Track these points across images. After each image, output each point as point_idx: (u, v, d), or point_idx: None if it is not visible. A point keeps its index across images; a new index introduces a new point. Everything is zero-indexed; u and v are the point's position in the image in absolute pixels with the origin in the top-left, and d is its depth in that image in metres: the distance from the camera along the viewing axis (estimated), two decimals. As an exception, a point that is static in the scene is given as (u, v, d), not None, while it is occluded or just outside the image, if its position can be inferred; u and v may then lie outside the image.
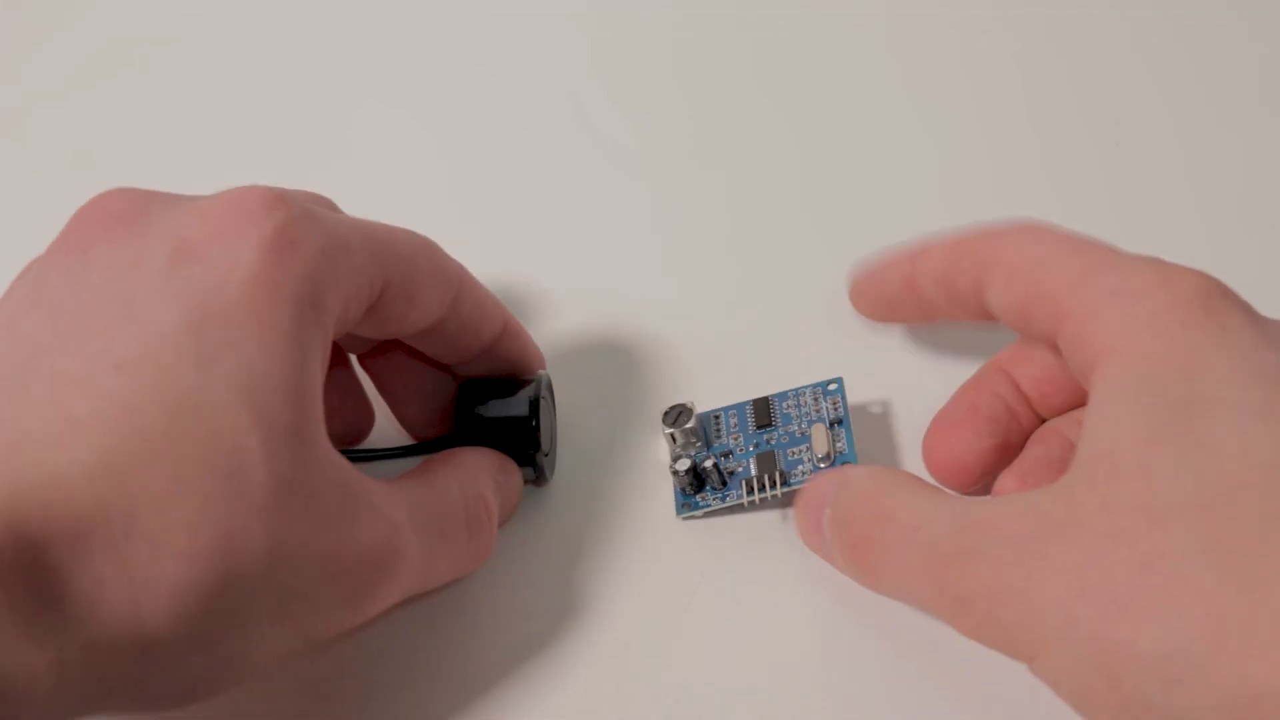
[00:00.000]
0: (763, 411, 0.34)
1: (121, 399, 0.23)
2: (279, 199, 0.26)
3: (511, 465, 0.33)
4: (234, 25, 0.48)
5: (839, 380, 0.33)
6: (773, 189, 0.42)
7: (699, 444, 0.34)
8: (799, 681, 0.31)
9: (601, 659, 0.32)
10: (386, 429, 0.35)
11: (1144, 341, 0.25)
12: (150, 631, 0.23)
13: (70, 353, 0.24)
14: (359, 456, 0.34)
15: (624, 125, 0.44)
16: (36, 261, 0.28)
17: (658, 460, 0.35)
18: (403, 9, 0.48)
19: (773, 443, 0.33)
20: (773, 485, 0.32)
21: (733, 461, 0.34)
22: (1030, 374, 0.32)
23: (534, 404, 0.32)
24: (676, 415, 0.33)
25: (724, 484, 0.33)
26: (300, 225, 0.26)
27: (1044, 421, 0.32)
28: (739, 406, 0.34)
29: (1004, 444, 0.31)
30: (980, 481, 0.32)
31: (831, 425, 0.33)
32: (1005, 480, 0.31)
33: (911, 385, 0.35)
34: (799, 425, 0.33)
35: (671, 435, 0.34)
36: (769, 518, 0.34)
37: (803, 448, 0.33)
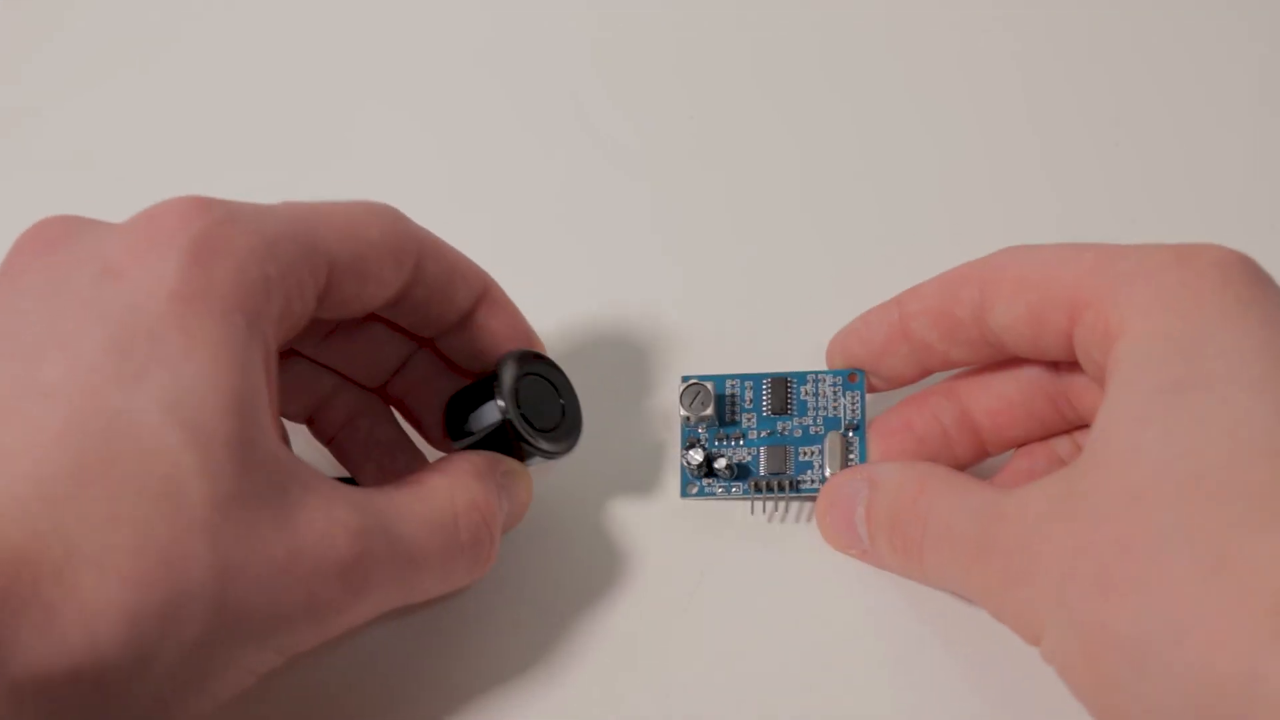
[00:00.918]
0: (780, 395, 0.33)
1: (50, 427, 0.23)
2: (198, 208, 0.26)
3: (515, 465, 0.32)
4: (234, 25, 0.48)
5: (860, 375, 0.33)
6: (773, 189, 0.42)
7: (713, 423, 0.34)
8: (799, 680, 0.31)
9: (602, 658, 0.32)
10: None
11: (1156, 319, 0.25)
12: (107, 659, 0.22)
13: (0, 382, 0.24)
14: None
15: (624, 125, 0.44)
16: None
17: (657, 459, 0.35)
18: (403, 9, 0.48)
19: (786, 434, 0.33)
20: (781, 489, 0.32)
21: (743, 448, 0.33)
22: (985, 404, 0.32)
23: (503, 406, 0.31)
24: (694, 397, 0.33)
25: (734, 477, 0.33)
26: (221, 232, 0.25)
27: (986, 454, 0.33)
28: (755, 380, 0.34)
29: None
30: None
31: (846, 431, 0.33)
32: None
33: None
34: (814, 420, 0.33)
35: (686, 417, 0.33)
36: (770, 516, 0.34)
37: (815, 449, 0.33)
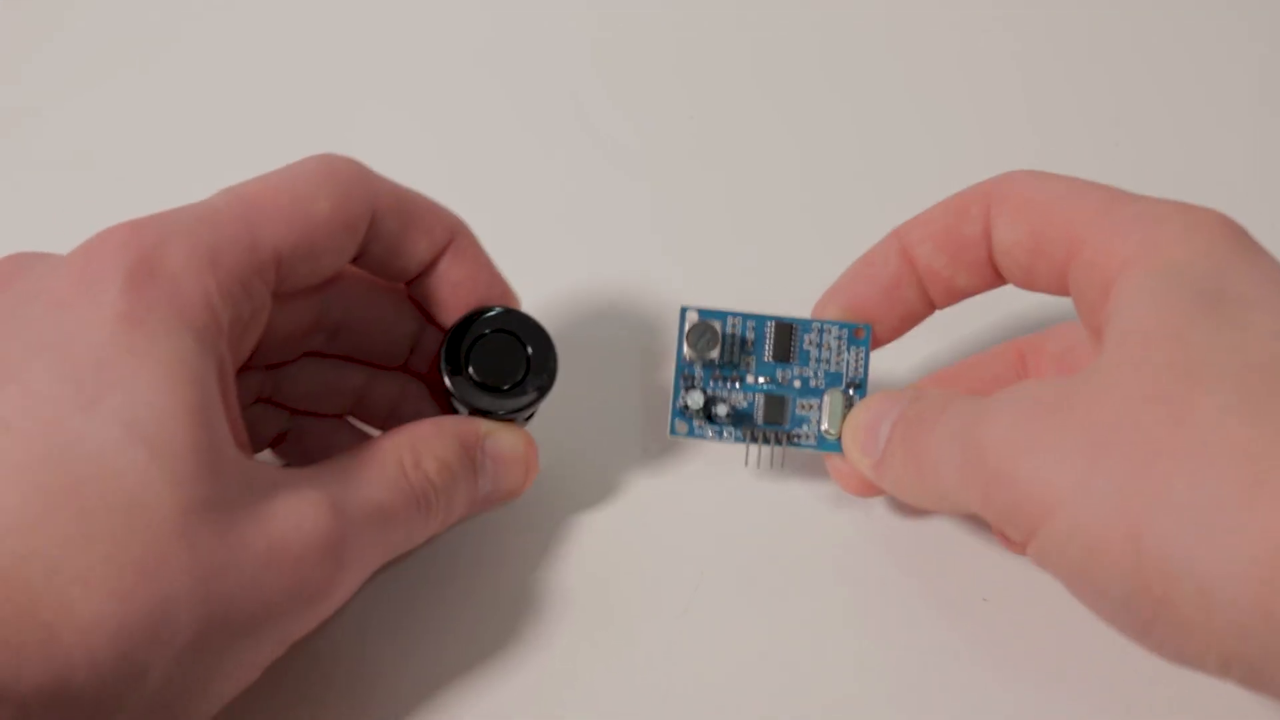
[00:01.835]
0: (784, 342, 0.32)
1: (13, 458, 0.24)
2: (133, 232, 0.26)
3: (494, 427, 0.31)
4: (234, 25, 0.48)
5: (867, 329, 0.32)
6: (773, 189, 0.42)
7: (714, 364, 0.33)
8: (799, 680, 0.31)
9: (601, 657, 0.32)
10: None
11: (1171, 250, 0.26)
12: (105, 673, 0.23)
13: None
14: None
15: (624, 125, 0.44)
16: None
17: (655, 457, 0.35)
18: (403, 9, 0.48)
19: (786, 383, 0.32)
20: (777, 442, 0.32)
21: (739, 392, 0.32)
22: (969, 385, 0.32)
23: (452, 363, 0.31)
24: (701, 336, 0.32)
25: (732, 423, 0.32)
26: (157, 253, 0.26)
27: None
28: (759, 321, 0.33)
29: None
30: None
31: (848, 389, 0.32)
32: None
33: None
34: (815, 374, 0.32)
35: (688, 356, 0.32)
36: (770, 516, 0.34)
37: (814, 403, 0.32)
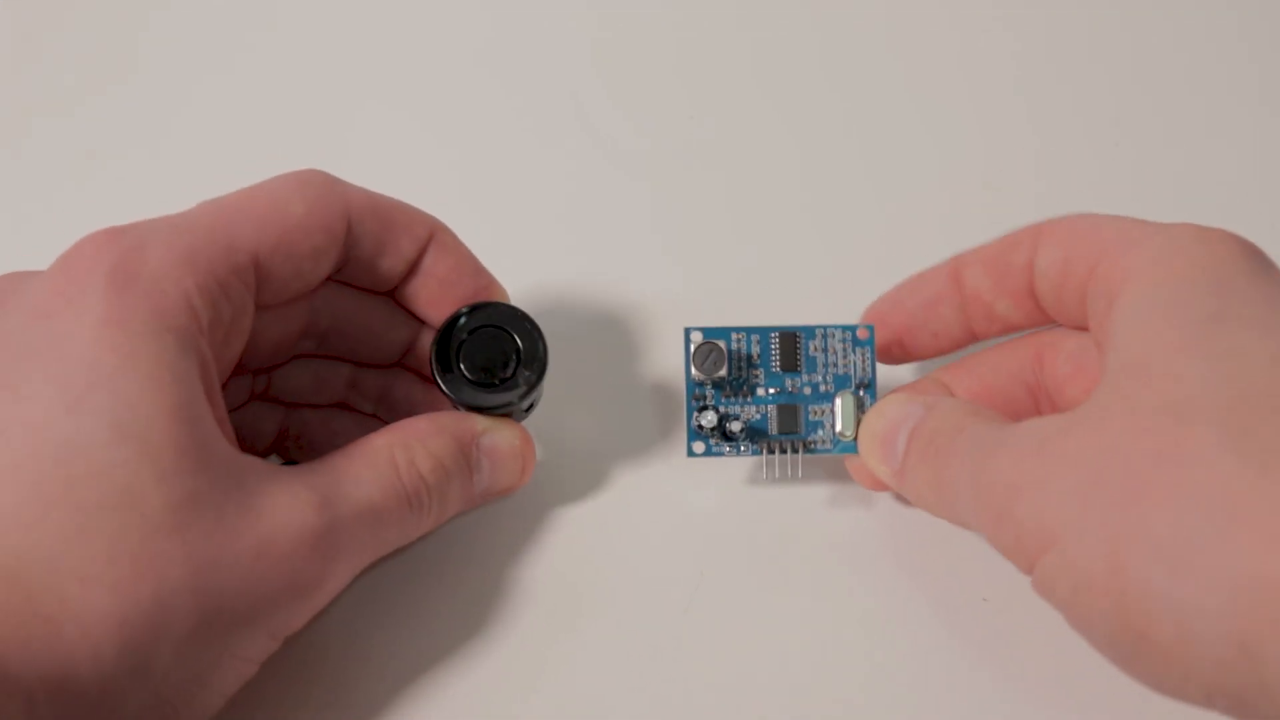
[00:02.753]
0: (789, 352, 0.33)
1: (7, 462, 0.24)
2: (110, 239, 0.27)
3: (490, 424, 0.32)
4: (234, 25, 0.48)
5: (870, 330, 0.33)
6: (773, 189, 0.42)
7: (723, 383, 0.33)
8: (798, 680, 0.31)
9: (602, 657, 0.32)
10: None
11: (1176, 265, 0.26)
12: (107, 666, 0.24)
13: None
14: None
15: (624, 125, 0.44)
16: None
17: (656, 456, 0.35)
18: (403, 9, 0.48)
19: (795, 392, 0.33)
20: (794, 450, 0.32)
21: (751, 406, 0.33)
22: (967, 385, 0.32)
23: (442, 362, 0.31)
24: (707, 357, 0.32)
25: (747, 438, 0.33)
26: (135, 258, 0.26)
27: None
28: (763, 334, 0.33)
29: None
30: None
31: (858, 389, 0.32)
32: None
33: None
34: (824, 379, 0.32)
35: (697, 379, 0.32)
36: (770, 516, 0.34)
37: (825, 408, 0.32)
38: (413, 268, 0.32)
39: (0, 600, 0.23)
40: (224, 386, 0.30)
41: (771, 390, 0.33)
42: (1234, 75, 0.43)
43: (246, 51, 0.47)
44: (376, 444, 0.30)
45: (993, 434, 0.27)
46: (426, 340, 0.34)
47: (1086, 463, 0.24)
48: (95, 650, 0.23)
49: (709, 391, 0.33)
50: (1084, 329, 0.31)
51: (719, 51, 0.46)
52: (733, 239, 0.41)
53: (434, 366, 0.31)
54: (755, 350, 0.33)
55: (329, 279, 0.31)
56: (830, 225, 0.41)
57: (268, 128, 0.45)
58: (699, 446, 0.33)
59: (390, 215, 0.31)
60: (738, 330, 0.33)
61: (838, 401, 0.32)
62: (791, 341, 0.33)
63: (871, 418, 0.31)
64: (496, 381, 0.32)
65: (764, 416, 0.33)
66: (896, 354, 0.33)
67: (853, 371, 0.32)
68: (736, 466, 0.35)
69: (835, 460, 0.34)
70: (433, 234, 0.32)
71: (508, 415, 0.32)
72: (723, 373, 0.32)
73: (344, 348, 0.34)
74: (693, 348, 0.32)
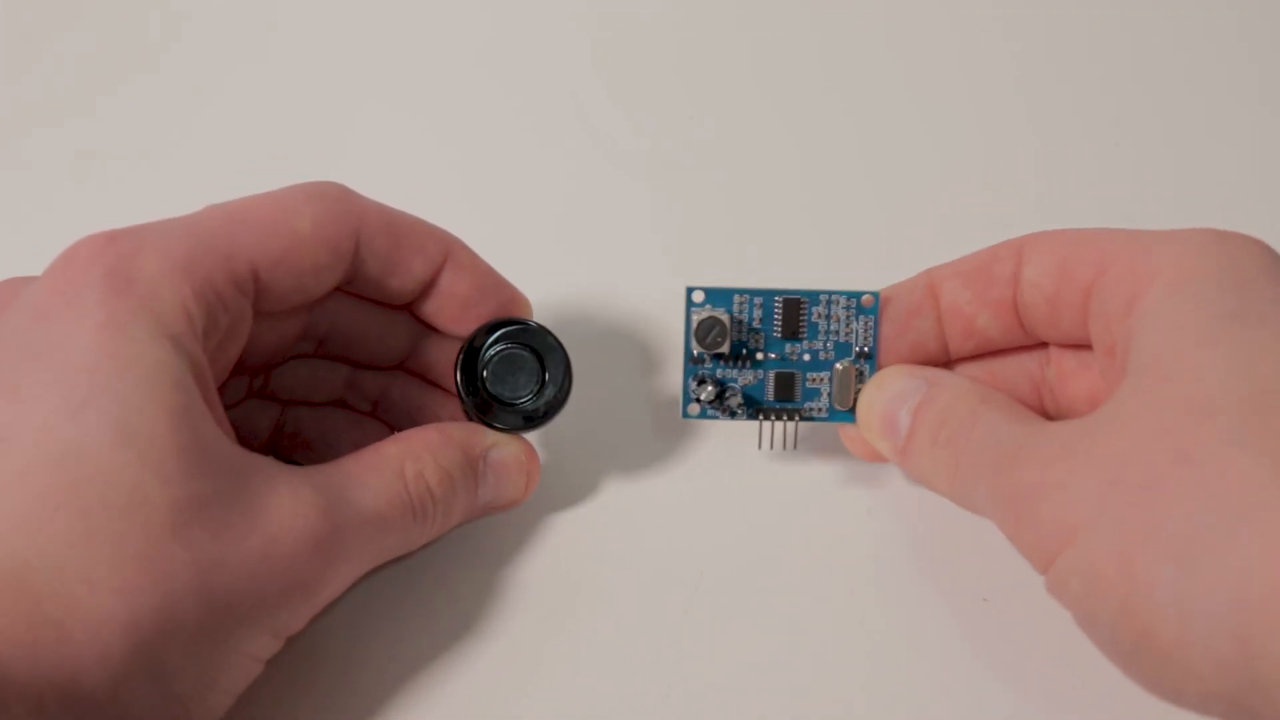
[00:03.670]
0: (792, 319, 0.32)
1: (11, 467, 0.24)
2: (107, 242, 0.27)
3: (500, 438, 0.32)
4: (234, 24, 0.48)
5: (875, 295, 0.32)
6: (773, 189, 0.42)
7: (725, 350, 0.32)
8: (797, 680, 0.31)
9: (602, 657, 0.32)
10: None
11: (1196, 265, 0.26)
12: (118, 668, 0.24)
13: None
14: None
15: (624, 125, 0.44)
16: None
17: (656, 457, 0.35)
18: (403, 9, 0.48)
19: (795, 358, 0.32)
20: (789, 418, 0.32)
21: (749, 371, 0.32)
22: (973, 376, 0.32)
23: (466, 371, 0.31)
24: (709, 332, 0.31)
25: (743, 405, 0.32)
26: (131, 262, 0.26)
27: None
28: (766, 297, 0.32)
29: None
30: None
31: (858, 359, 0.32)
32: None
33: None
34: (824, 346, 0.32)
35: (701, 354, 0.32)
36: (769, 517, 0.34)
37: (823, 376, 0.32)
38: (429, 286, 0.32)
39: (8, 606, 0.23)
40: (221, 387, 0.30)
41: (771, 356, 0.32)
42: (1234, 75, 0.43)
43: (246, 50, 0.47)
44: (387, 452, 0.30)
45: (1013, 433, 0.27)
46: (429, 345, 0.34)
47: (1109, 461, 0.24)
48: (104, 653, 0.24)
49: (706, 357, 0.32)
50: (1068, 345, 0.31)
51: (719, 51, 0.46)
52: (733, 239, 0.41)
53: (460, 388, 0.31)
54: (758, 315, 0.32)
55: (337, 290, 0.31)
56: (830, 226, 0.41)
57: (268, 128, 0.45)
58: (694, 409, 0.32)
59: (403, 234, 0.31)
60: (740, 292, 0.32)
61: (836, 369, 0.32)
62: (795, 307, 0.32)
63: (871, 390, 0.31)
64: (520, 404, 0.32)
65: (761, 382, 0.32)
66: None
67: (854, 339, 0.32)
68: (735, 465, 0.35)
69: (836, 450, 0.34)
70: (448, 253, 0.31)
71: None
72: (724, 349, 0.32)
73: (344, 350, 0.34)
74: (695, 321, 0.32)
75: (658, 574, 0.33)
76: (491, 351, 0.32)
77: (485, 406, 0.32)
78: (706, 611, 0.32)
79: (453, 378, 0.32)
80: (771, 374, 0.32)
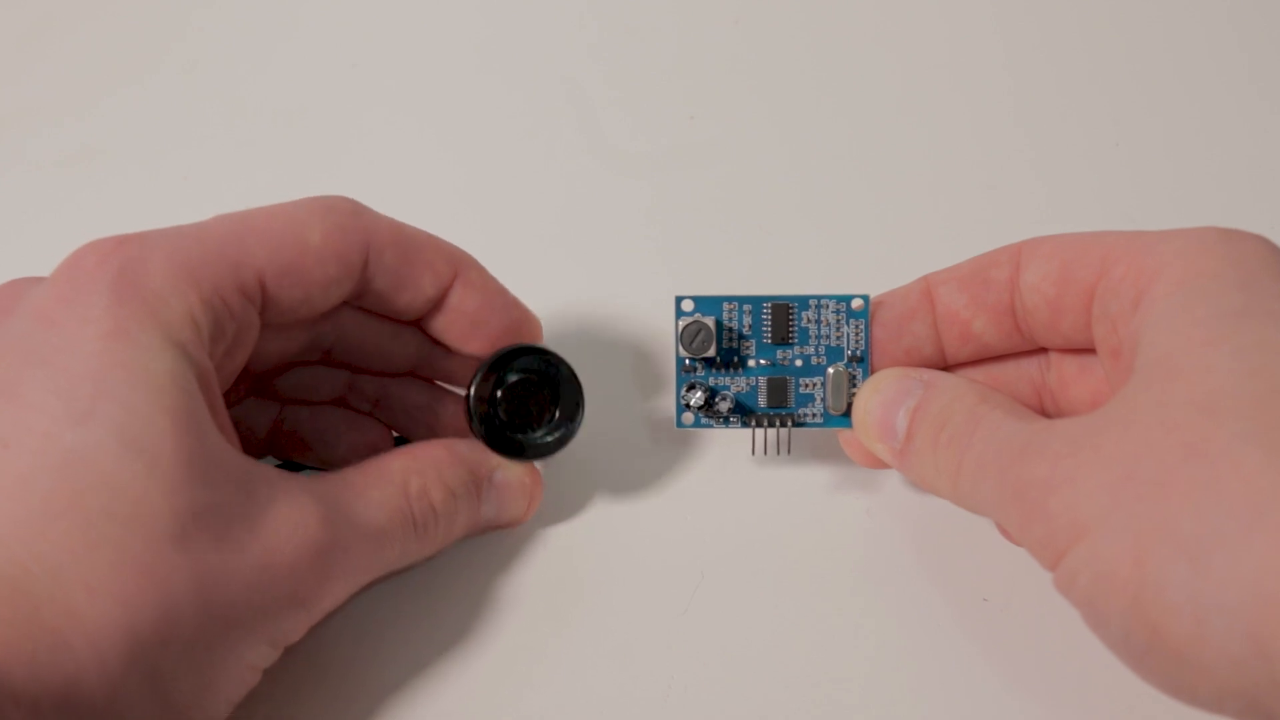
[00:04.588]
0: (781, 324, 0.32)
1: (14, 473, 0.24)
2: (115, 247, 0.27)
3: (505, 462, 0.32)
4: (234, 25, 0.48)
5: (865, 299, 0.32)
6: (772, 189, 0.42)
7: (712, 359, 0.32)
8: (796, 680, 0.31)
9: (602, 658, 0.32)
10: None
11: (1203, 263, 0.26)
12: (116, 675, 0.24)
13: None
14: None
15: (623, 125, 0.44)
16: None
17: (656, 459, 0.35)
18: (402, 10, 0.48)
19: (786, 364, 0.32)
20: (783, 424, 0.32)
21: (741, 378, 0.32)
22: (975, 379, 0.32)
23: (479, 398, 0.31)
24: (695, 337, 0.32)
25: (735, 411, 0.32)
26: (139, 268, 0.26)
27: None
28: (755, 304, 0.32)
29: None
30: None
31: (850, 363, 0.32)
32: None
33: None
34: (816, 350, 0.32)
35: (686, 359, 0.32)
36: (767, 518, 0.34)
37: (816, 381, 0.32)
38: (439, 303, 0.31)
39: (6, 612, 0.23)
40: (226, 392, 0.30)
41: (763, 362, 0.32)
42: (1233, 76, 0.43)
43: (246, 50, 0.47)
44: (392, 465, 0.30)
45: (1018, 430, 0.27)
46: (436, 356, 0.34)
47: (1119, 458, 0.24)
48: (102, 660, 0.24)
49: (698, 365, 0.32)
50: (1067, 350, 0.31)
51: (719, 51, 0.46)
52: (732, 240, 0.41)
53: (471, 415, 0.31)
54: (747, 322, 0.32)
55: (345, 304, 0.31)
56: (830, 230, 0.41)
57: (268, 128, 0.45)
58: (688, 418, 0.32)
59: (413, 250, 0.31)
60: (729, 300, 0.32)
61: (829, 373, 0.32)
62: (784, 313, 0.32)
63: (866, 393, 0.31)
64: (533, 435, 0.32)
65: (754, 389, 0.32)
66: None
67: (845, 343, 0.32)
68: (733, 468, 0.35)
69: (833, 453, 0.34)
70: (458, 271, 0.31)
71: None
72: (710, 353, 0.32)
73: (349, 359, 0.34)
74: (681, 325, 0.32)
75: (656, 579, 0.33)
76: (506, 381, 0.32)
77: (496, 437, 0.32)
78: (706, 612, 0.32)
79: (464, 402, 0.32)
80: (764, 380, 0.32)
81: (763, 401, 0.32)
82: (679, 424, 0.32)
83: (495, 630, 0.32)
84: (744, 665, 0.31)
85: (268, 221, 0.29)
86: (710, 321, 0.32)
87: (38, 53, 0.47)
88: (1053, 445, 0.26)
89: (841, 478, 0.35)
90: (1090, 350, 0.30)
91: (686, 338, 0.32)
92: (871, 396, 0.31)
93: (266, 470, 0.27)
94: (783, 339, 0.32)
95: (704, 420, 0.32)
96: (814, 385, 0.32)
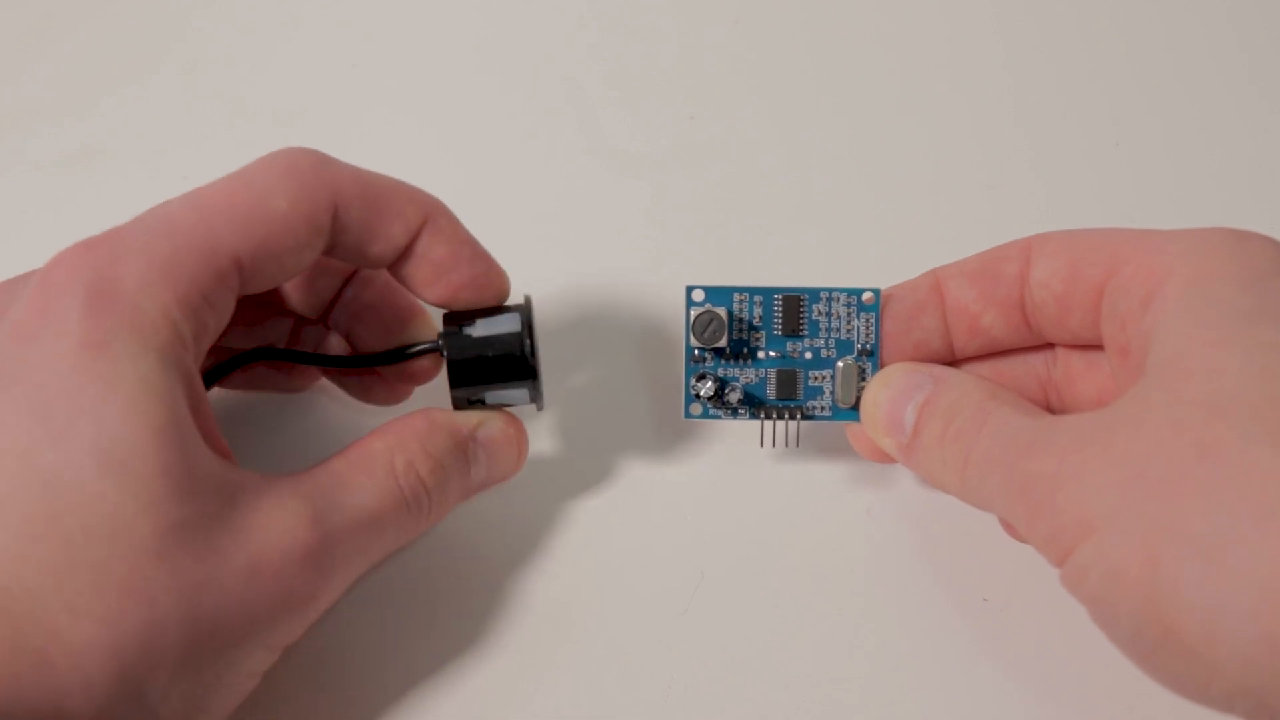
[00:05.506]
0: (792, 314, 0.32)
1: None
2: (85, 253, 0.26)
3: (486, 417, 0.31)
4: (234, 24, 0.48)
5: (876, 293, 0.32)
6: (773, 189, 0.42)
7: (723, 346, 0.32)
8: (796, 680, 0.31)
9: (602, 659, 0.32)
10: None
11: (1213, 264, 0.26)
12: (100, 697, 0.23)
13: None
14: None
15: (623, 125, 0.44)
16: None
17: (656, 458, 0.35)
18: (402, 9, 0.48)
19: (796, 356, 0.32)
20: (792, 417, 0.32)
21: (751, 369, 0.32)
22: (980, 375, 0.32)
23: (523, 323, 0.31)
24: (707, 327, 0.31)
25: (744, 403, 0.32)
26: (111, 273, 0.26)
27: None
28: (766, 295, 0.32)
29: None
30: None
31: (860, 356, 0.32)
32: None
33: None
34: (826, 343, 0.32)
35: (698, 349, 0.32)
36: (768, 518, 0.34)
37: (826, 374, 0.32)
38: (407, 250, 0.31)
39: None
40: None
41: (772, 354, 0.32)
42: (1233, 76, 0.43)
43: (245, 49, 0.47)
44: (374, 448, 0.29)
45: (1026, 425, 0.27)
46: (353, 297, 0.33)
47: (1129, 456, 0.24)
48: (87, 681, 0.23)
49: (707, 355, 0.32)
50: (1076, 346, 0.31)
51: (719, 51, 0.46)
52: (732, 240, 0.41)
53: (450, 370, 0.31)
54: (758, 313, 0.32)
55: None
56: (832, 227, 0.41)
57: (267, 125, 0.45)
58: (696, 409, 0.32)
59: (380, 199, 0.30)
60: (740, 290, 0.32)
61: (839, 366, 0.32)
62: (795, 304, 0.32)
63: (875, 387, 0.31)
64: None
65: (762, 381, 0.32)
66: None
67: (856, 337, 0.32)
68: (733, 468, 0.35)
69: (838, 451, 0.34)
70: (427, 218, 0.31)
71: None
72: (722, 343, 0.32)
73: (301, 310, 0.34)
74: (692, 316, 0.32)
75: (658, 574, 0.33)
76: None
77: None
78: (706, 612, 0.32)
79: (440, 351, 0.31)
80: (773, 372, 0.32)
81: (771, 393, 0.32)
82: (686, 414, 0.32)
83: (495, 630, 0.32)
84: (744, 665, 0.31)
85: (231, 197, 0.28)
86: (722, 312, 0.31)
87: (38, 53, 0.47)
88: (1060, 441, 0.26)
89: (845, 475, 0.35)
90: (1097, 347, 0.30)
91: (699, 327, 0.31)
92: (880, 390, 0.31)
93: (249, 476, 0.27)
94: (793, 331, 0.32)
95: (712, 411, 0.32)
96: (823, 378, 0.32)
